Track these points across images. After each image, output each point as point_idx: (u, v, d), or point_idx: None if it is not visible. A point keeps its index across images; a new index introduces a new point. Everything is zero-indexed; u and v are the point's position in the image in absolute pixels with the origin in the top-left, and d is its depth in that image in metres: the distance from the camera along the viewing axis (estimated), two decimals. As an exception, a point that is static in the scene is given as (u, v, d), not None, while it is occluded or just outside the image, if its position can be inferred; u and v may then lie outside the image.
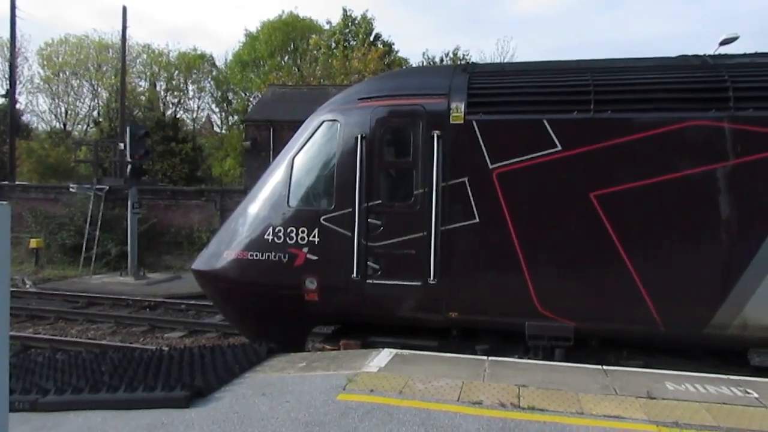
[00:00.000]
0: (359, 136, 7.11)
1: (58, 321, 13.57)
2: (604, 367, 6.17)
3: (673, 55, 7.33)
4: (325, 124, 7.50)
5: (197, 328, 12.63)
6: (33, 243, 22.75)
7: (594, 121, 6.52)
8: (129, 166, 19.44)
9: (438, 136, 6.85)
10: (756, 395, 5.24)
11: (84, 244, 21.89)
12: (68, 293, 16.60)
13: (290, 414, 4.91)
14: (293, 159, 7.59)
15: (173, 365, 6.41)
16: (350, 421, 4.72)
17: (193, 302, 14.93)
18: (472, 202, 6.77)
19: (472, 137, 6.80)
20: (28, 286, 18.55)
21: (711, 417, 4.70)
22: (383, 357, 6.50)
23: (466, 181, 6.80)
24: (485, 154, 6.74)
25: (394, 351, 6.74)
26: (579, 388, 5.43)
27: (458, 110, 6.88)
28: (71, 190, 22.39)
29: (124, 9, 25.68)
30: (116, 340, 11.89)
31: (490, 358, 6.55)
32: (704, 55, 7.17)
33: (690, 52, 7.31)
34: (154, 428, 4.82)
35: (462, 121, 6.86)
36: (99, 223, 22.14)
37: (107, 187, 22.03)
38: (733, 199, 6.14)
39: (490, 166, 6.72)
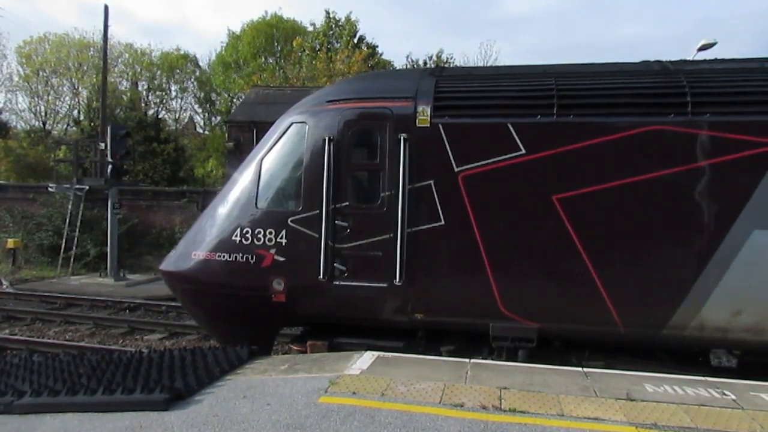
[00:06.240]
0: (327, 138, 7.13)
1: (35, 322, 13.38)
2: (585, 369, 6.23)
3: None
4: (294, 125, 7.52)
5: (178, 330, 12.53)
6: (10, 243, 22.43)
7: (557, 124, 6.60)
8: (109, 166, 19.19)
9: (404, 139, 6.89)
10: (733, 397, 5.32)
11: (63, 245, 21.57)
12: (46, 294, 16.34)
13: (271, 417, 4.88)
14: (261, 160, 7.61)
15: (153, 367, 6.34)
16: (332, 423, 4.71)
17: (173, 304, 14.73)
18: (438, 205, 6.83)
19: (438, 140, 6.86)
20: (5, 286, 18.27)
21: (689, 418, 4.76)
22: (366, 359, 6.49)
23: (432, 184, 6.86)
24: (451, 157, 6.80)
25: (376, 353, 6.74)
26: (559, 390, 5.47)
27: (424, 113, 6.93)
28: (50, 189, 22.02)
29: (106, 8, 25.34)
30: (95, 341, 11.75)
31: (472, 360, 6.58)
32: (666, 60, 7.28)
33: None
34: (131, 431, 4.77)
35: (428, 124, 6.91)
36: (78, 223, 21.83)
37: (87, 188, 21.70)
38: (692, 202, 6.25)
39: (456, 169, 6.78)
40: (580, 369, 6.23)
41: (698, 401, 5.19)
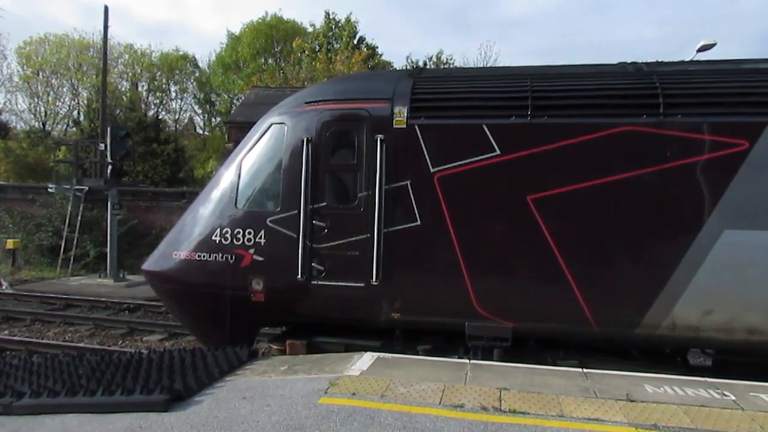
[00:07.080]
0: (305, 139, 7.19)
1: (34, 323, 13.37)
2: (585, 370, 6.23)
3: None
4: (273, 127, 7.59)
5: (177, 330, 12.49)
6: (10, 244, 22.41)
7: (531, 126, 6.63)
8: (109, 167, 19.16)
9: (381, 140, 6.93)
10: (733, 398, 5.32)
11: (62, 246, 21.56)
12: (45, 295, 16.34)
13: (271, 418, 4.88)
14: (242, 161, 7.68)
15: (152, 368, 6.33)
16: (332, 424, 4.70)
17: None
18: (414, 205, 6.88)
19: (414, 141, 6.90)
20: (4, 287, 18.26)
21: (689, 419, 4.76)
22: (366, 360, 6.49)
23: (408, 185, 6.91)
24: (426, 158, 6.85)
25: (376, 354, 6.74)
26: (560, 390, 5.47)
27: (401, 114, 6.98)
28: (50, 190, 22.02)
29: (106, 8, 25.35)
30: (94, 342, 11.74)
31: (471, 361, 6.58)
32: (641, 62, 7.33)
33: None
34: (132, 432, 4.76)
35: (404, 126, 6.95)
36: (78, 224, 21.82)
37: (86, 188, 21.68)
38: (663, 202, 6.28)
39: (432, 170, 6.82)
40: (580, 370, 6.23)
41: (698, 402, 5.19)
